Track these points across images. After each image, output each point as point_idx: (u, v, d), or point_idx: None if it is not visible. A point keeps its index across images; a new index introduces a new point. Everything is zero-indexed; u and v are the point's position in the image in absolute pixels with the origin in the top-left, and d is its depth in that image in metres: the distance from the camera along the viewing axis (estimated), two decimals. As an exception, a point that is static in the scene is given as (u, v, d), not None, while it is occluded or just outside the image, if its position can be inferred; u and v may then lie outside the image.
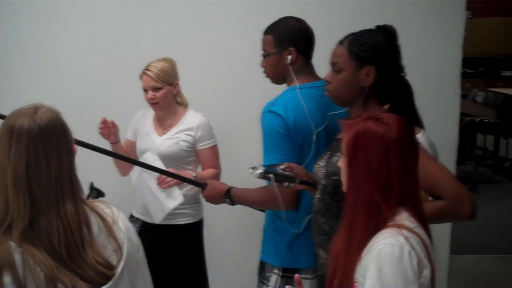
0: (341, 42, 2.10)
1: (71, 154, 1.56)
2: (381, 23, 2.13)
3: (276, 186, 2.15)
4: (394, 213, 1.57)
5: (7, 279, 1.42)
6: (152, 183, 2.81)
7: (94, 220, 1.55)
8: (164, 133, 3.01)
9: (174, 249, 3.01)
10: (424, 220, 1.63)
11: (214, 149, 3.05)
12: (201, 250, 3.13)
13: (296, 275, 1.78)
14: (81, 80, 3.60)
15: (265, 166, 2.15)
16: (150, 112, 3.08)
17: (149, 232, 2.89)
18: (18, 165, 1.47)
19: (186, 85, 3.12)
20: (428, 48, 3.62)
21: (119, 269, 1.53)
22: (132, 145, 3.10)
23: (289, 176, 2.14)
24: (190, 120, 3.02)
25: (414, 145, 1.65)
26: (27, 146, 1.47)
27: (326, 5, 3.55)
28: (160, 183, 2.79)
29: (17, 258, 1.44)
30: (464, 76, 3.76)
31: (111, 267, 1.52)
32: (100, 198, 2.32)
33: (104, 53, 3.58)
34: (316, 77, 2.41)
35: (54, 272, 1.45)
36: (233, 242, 3.75)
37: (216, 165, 3.04)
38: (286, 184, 2.13)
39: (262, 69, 2.47)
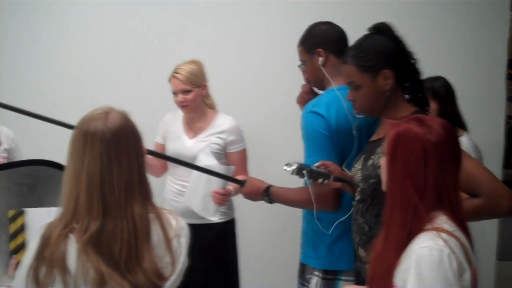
0: (345, 62, 2.12)
1: (140, 155, 1.58)
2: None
3: (310, 181, 2.15)
4: (431, 216, 1.56)
5: (57, 280, 1.46)
6: (209, 185, 2.69)
7: (154, 229, 1.56)
8: (194, 136, 3.03)
9: (208, 247, 2.98)
10: (464, 224, 1.60)
11: (244, 153, 3.07)
12: (235, 249, 3.13)
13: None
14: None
15: (299, 162, 2.14)
16: (179, 115, 3.09)
17: None
18: (92, 170, 1.50)
19: (216, 88, 3.14)
20: (473, 50, 3.59)
21: (168, 283, 1.54)
22: (162, 148, 3.11)
23: (323, 173, 2.13)
24: (221, 123, 3.03)
25: (456, 150, 1.62)
26: (101, 151, 1.50)
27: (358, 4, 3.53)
28: (213, 196, 2.66)
29: (71, 261, 1.47)
30: (512, 78, 3.67)
31: (162, 278, 1.53)
32: None
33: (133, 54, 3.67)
34: None
35: (104, 279, 1.46)
36: (269, 243, 3.75)
37: (245, 168, 3.04)
38: (320, 180, 2.12)
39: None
